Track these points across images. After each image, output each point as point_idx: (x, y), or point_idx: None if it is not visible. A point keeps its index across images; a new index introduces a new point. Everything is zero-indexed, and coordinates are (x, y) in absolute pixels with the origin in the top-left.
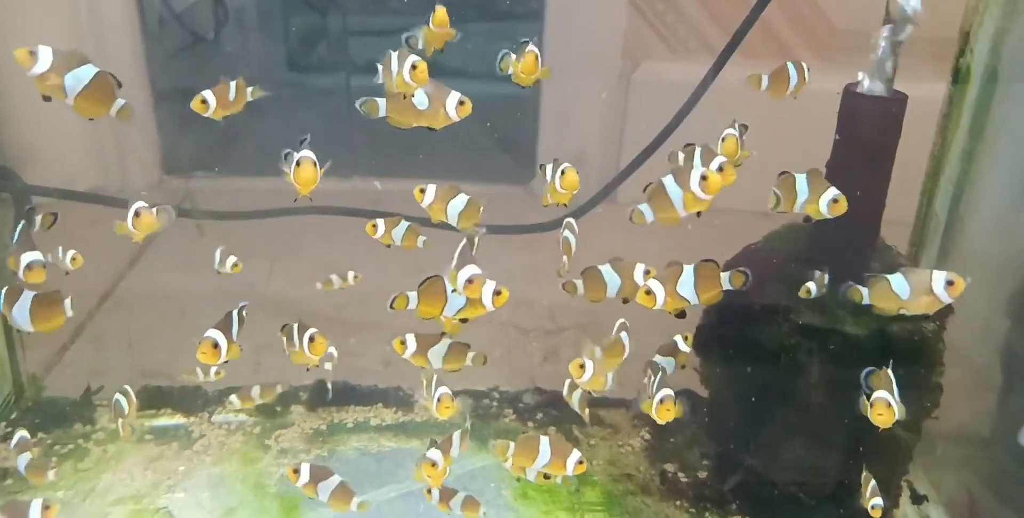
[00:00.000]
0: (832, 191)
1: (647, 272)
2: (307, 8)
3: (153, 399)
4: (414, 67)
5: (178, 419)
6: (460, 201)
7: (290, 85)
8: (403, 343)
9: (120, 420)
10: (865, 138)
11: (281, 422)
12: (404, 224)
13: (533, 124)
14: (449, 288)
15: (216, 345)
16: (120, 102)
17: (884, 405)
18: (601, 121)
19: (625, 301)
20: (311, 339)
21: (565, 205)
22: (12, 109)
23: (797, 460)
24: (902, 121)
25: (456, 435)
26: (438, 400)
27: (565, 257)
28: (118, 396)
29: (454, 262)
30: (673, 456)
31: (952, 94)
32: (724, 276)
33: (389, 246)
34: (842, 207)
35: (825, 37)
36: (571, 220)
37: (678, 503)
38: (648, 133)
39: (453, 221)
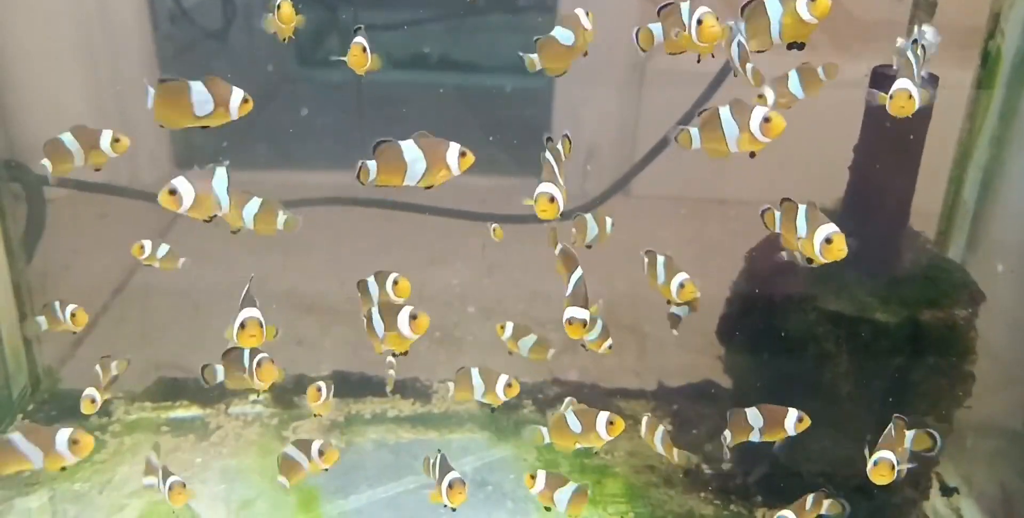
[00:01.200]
0: (827, 229)
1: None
2: (316, 3)
3: (169, 391)
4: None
5: (194, 411)
6: (253, 205)
7: (300, 80)
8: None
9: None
10: (895, 120)
11: (298, 413)
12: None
13: (547, 116)
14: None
15: (260, 323)
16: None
17: (887, 466)
18: (615, 112)
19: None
20: (413, 317)
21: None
22: (22, 103)
23: (824, 451)
24: (933, 102)
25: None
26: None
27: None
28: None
29: None
30: (696, 448)
31: (982, 77)
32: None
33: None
34: (837, 249)
35: (845, 27)
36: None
37: (702, 495)
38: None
39: (249, 225)
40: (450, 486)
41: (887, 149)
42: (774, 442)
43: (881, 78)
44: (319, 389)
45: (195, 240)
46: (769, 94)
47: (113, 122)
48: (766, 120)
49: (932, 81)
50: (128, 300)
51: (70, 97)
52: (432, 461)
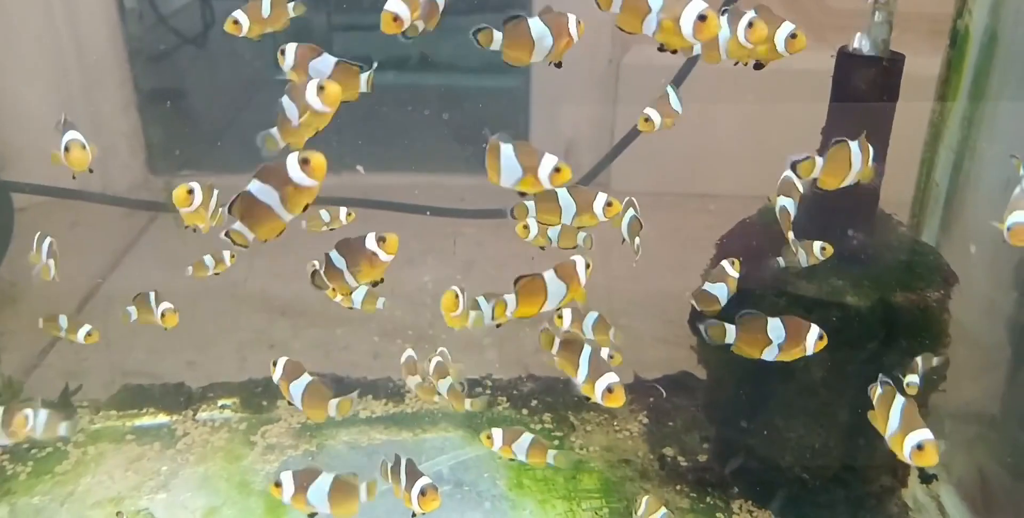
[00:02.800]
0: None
1: (608, 204)
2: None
3: (135, 398)
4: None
5: (160, 418)
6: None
7: (280, 84)
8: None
9: None
10: (862, 101)
11: (267, 417)
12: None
13: (524, 113)
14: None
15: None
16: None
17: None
18: (591, 107)
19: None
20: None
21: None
22: None
23: (800, 440)
24: (900, 82)
25: None
26: None
27: None
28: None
29: None
30: (672, 440)
31: (951, 57)
32: None
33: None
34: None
35: (818, 16)
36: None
37: (678, 488)
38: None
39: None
40: (422, 493)
41: (854, 129)
42: (749, 434)
43: (845, 58)
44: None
45: (165, 247)
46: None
47: (84, 128)
48: (750, 25)
49: (898, 61)
50: (96, 308)
51: (40, 105)
52: (392, 465)
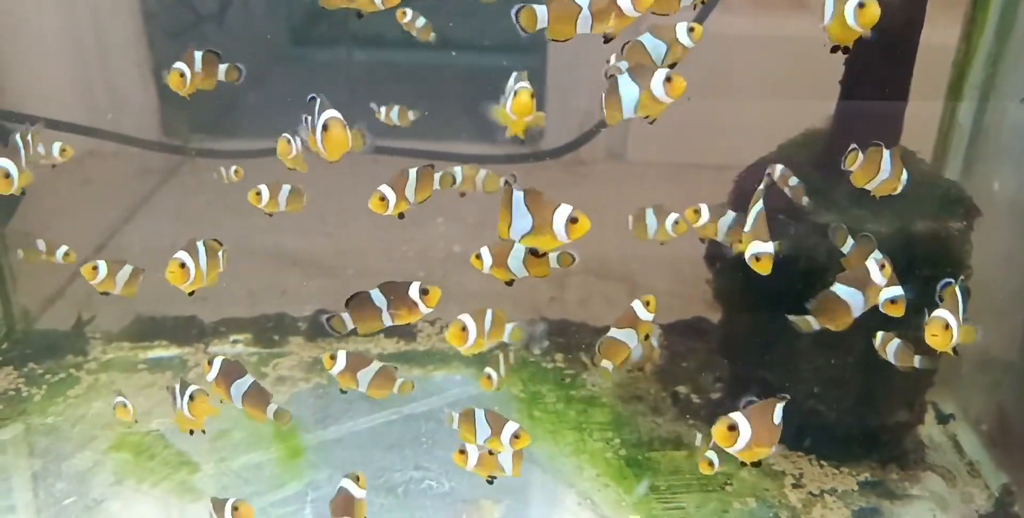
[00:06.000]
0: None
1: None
2: None
3: (147, 331)
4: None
5: (172, 351)
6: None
7: (294, 59)
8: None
9: None
10: (886, 28)
11: (278, 352)
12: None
13: (540, 86)
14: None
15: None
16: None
17: (941, 326)
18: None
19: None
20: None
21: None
22: (7, 75)
23: (816, 372)
24: (925, 8)
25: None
26: None
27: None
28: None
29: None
30: (685, 380)
31: None
32: None
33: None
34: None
35: None
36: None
37: (691, 422)
38: None
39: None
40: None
41: (877, 58)
42: (764, 367)
43: None
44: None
45: (181, 203)
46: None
47: (98, 92)
48: (668, 79)
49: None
50: (109, 255)
51: (58, 71)
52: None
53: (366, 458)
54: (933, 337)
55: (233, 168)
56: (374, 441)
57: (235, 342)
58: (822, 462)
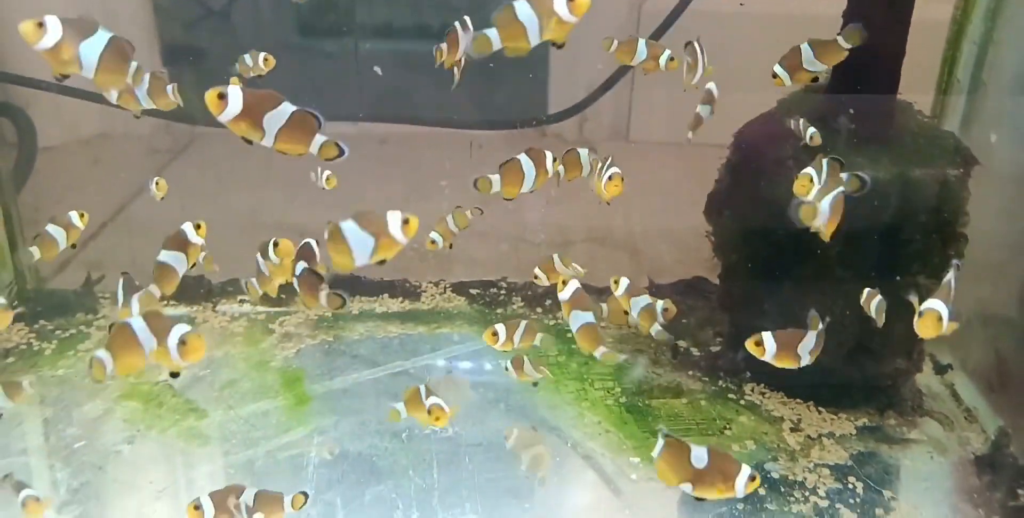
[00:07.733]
0: None
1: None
2: None
3: None
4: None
5: (180, 309)
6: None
7: (301, 49)
8: None
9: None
10: None
11: (285, 311)
12: None
13: (544, 63)
14: None
15: None
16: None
17: (935, 318)
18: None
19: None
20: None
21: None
22: (18, 54)
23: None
24: None
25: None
26: None
27: None
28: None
29: None
30: (686, 334)
31: None
32: None
33: None
34: None
35: None
36: None
37: (691, 373)
38: None
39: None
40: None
41: (875, 8)
42: (764, 316)
43: None
44: None
45: (189, 179)
46: None
47: None
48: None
49: None
50: (118, 228)
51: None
52: None
53: (371, 405)
54: (925, 328)
55: (326, 174)
56: (378, 391)
57: (242, 301)
58: (820, 408)
